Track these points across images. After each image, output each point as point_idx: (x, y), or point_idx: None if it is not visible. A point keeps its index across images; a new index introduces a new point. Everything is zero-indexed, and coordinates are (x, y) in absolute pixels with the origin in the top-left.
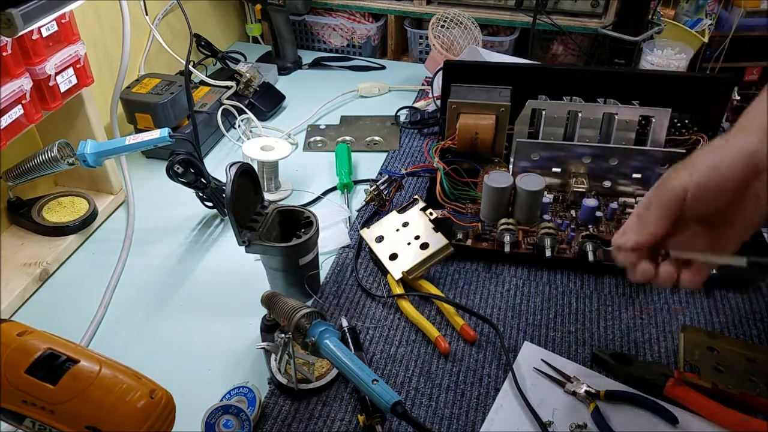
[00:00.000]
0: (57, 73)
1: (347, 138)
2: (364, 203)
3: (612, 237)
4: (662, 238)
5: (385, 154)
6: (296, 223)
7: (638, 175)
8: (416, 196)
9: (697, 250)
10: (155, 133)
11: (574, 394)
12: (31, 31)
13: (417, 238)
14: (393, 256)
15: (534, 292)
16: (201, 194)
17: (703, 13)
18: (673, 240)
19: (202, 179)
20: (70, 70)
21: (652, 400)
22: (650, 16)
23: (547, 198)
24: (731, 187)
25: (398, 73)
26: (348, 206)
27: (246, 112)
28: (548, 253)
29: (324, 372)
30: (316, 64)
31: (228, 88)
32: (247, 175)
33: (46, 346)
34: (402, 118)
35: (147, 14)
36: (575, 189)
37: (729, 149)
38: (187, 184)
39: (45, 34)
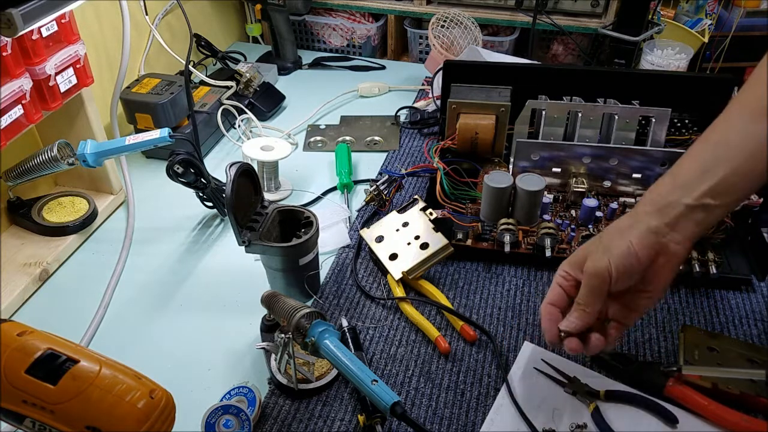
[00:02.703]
0: (57, 73)
1: (347, 138)
2: (364, 203)
3: None
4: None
5: (385, 154)
6: (296, 223)
7: (638, 175)
8: (416, 196)
9: (616, 317)
10: (155, 133)
11: (574, 394)
12: (31, 31)
13: (417, 238)
14: (393, 256)
15: (534, 292)
16: (201, 194)
17: (703, 13)
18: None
19: (202, 179)
20: (70, 70)
21: (652, 400)
22: (650, 16)
23: (547, 198)
24: (644, 266)
25: (398, 73)
26: (348, 206)
27: (246, 112)
28: (548, 253)
29: (324, 372)
30: (316, 64)
31: (228, 88)
32: (247, 175)
33: (46, 346)
34: (402, 118)
35: (147, 14)
36: (575, 189)
37: (637, 231)
38: (187, 184)
39: (45, 34)
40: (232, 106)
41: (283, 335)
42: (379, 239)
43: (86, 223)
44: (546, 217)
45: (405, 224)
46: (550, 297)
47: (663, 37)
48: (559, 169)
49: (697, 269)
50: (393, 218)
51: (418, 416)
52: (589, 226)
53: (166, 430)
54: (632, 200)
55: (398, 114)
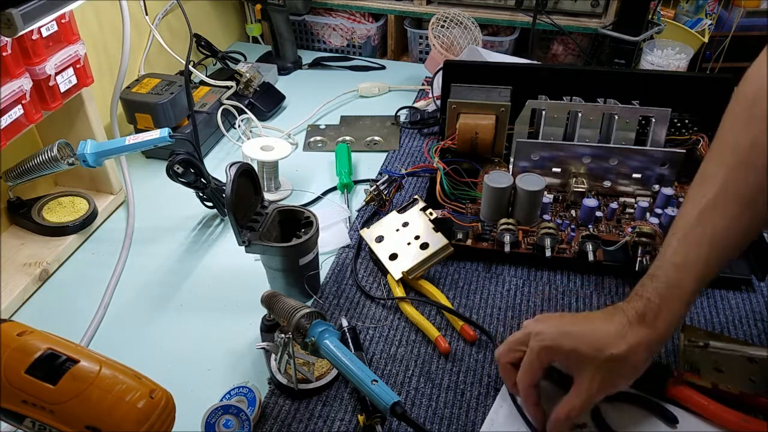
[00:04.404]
0: (57, 73)
1: (347, 138)
2: (364, 203)
3: (611, 237)
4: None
5: (385, 154)
6: (296, 223)
7: (638, 175)
8: (416, 196)
9: None
10: (155, 133)
11: None
12: (31, 31)
13: (417, 238)
14: (393, 256)
15: (534, 292)
16: (201, 194)
17: (703, 13)
18: None
19: (202, 179)
20: (70, 70)
21: (652, 400)
22: (650, 16)
23: (547, 198)
24: None
25: (398, 73)
26: (348, 206)
27: (246, 112)
28: (548, 253)
29: (324, 372)
30: (316, 64)
31: (228, 88)
32: (247, 175)
33: (46, 346)
34: (402, 118)
35: (147, 14)
36: (575, 189)
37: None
38: (187, 184)
39: (45, 34)
40: (232, 106)
41: (283, 335)
42: (379, 239)
43: (86, 223)
44: (546, 217)
45: (405, 224)
46: (533, 378)
47: (663, 37)
48: (559, 169)
49: None
50: (393, 218)
51: (418, 416)
52: (589, 226)
53: (166, 430)
54: (632, 200)
55: (398, 114)
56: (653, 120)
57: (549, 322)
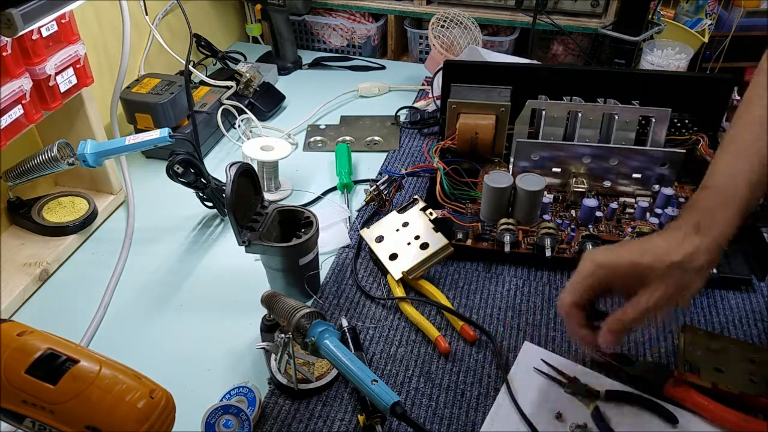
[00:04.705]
0: (57, 73)
1: (347, 138)
2: (364, 203)
3: (610, 237)
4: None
5: (385, 154)
6: (296, 223)
7: (638, 175)
8: (416, 196)
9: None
10: (155, 133)
11: (574, 394)
12: (31, 31)
13: (417, 238)
14: (393, 256)
15: (534, 292)
16: (201, 194)
17: (703, 13)
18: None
19: (202, 179)
20: (70, 70)
21: (652, 400)
22: (650, 16)
23: (547, 198)
24: None
25: (398, 73)
26: (348, 206)
27: (246, 112)
28: (548, 253)
29: (324, 372)
30: (316, 64)
31: (228, 88)
32: (247, 175)
33: (46, 346)
34: (402, 118)
35: (147, 14)
36: (575, 189)
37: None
38: (187, 184)
39: (45, 34)
40: (232, 106)
41: (283, 335)
42: (379, 239)
43: (86, 223)
44: (546, 217)
45: (405, 224)
46: (577, 297)
47: (663, 37)
48: (559, 169)
49: None
50: (393, 218)
51: (418, 416)
52: (589, 226)
53: (166, 430)
54: (632, 200)
55: (398, 114)
56: (653, 120)
57: (603, 248)
